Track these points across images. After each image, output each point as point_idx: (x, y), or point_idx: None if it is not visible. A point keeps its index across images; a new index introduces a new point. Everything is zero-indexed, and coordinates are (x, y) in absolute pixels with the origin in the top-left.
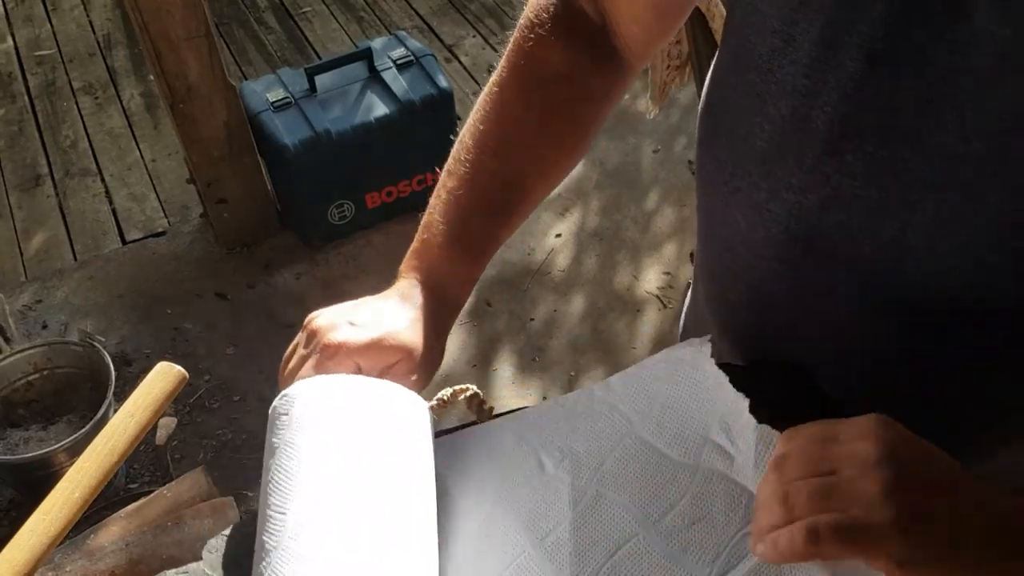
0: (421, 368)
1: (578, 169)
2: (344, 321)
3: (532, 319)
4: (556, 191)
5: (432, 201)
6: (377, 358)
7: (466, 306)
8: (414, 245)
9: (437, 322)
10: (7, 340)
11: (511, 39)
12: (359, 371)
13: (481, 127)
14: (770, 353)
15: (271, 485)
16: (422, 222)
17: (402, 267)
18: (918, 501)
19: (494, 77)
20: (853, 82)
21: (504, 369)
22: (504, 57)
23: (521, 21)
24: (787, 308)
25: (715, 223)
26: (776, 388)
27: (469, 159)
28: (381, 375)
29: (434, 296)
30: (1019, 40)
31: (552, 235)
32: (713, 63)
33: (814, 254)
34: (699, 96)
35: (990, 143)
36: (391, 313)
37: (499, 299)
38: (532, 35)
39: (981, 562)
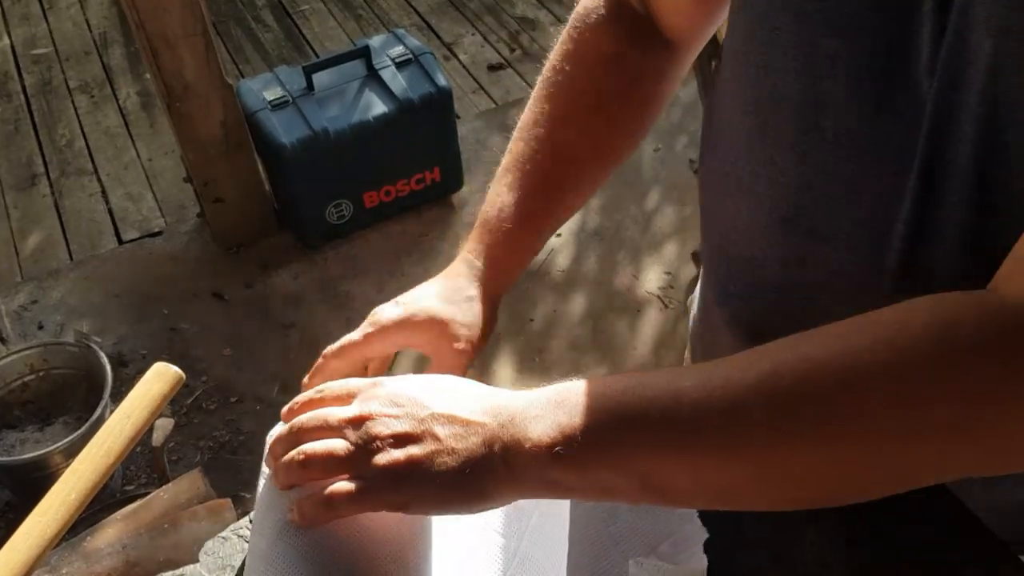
0: (465, 339)
1: None
2: (392, 302)
3: (532, 319)
4: None
5: (494, 181)
6: (412, 333)
7: None
8: (478, 221)
9: (483, 293)
10: (3, 341)
11: (562, 32)
12: (399, 347)
13: (534, 108)
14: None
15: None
16: (486, 199)
17: (465, 243)
18: (395, 463)
19: (547, 65)
20: (829, 59)
21: (504, 370)
22: (555, 48)
23: (572, 16)
24: (782, 292)
25: (714, 214)
26: None
27: (523, 137)
28: (429, 350)
29: (484, 270)
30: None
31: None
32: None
33: (797, 234)
34: (700, 94)
35: (975, 120)
36: (430, 289)
37: None
38: (581, 25)
39: (451, 479)
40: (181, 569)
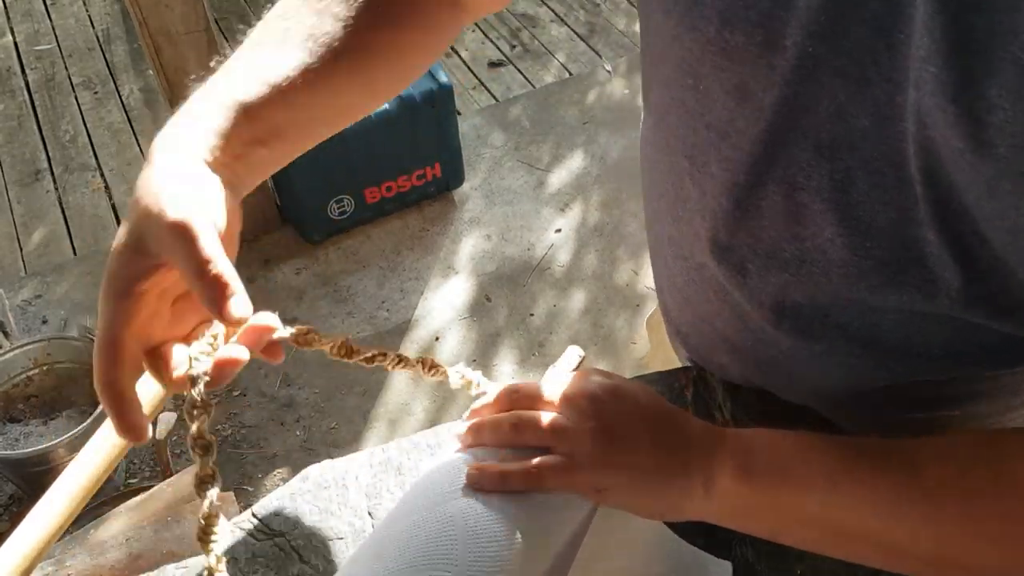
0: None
1: (578, 164)
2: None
3: (532, 314)
4: (556, 186)
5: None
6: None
7: (465, 301)
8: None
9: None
10: (7, 335)
11: None
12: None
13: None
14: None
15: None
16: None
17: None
18: (608, 451)
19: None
20: (803, 172)
21: (504, 365)
22: None
23: None
24: (774, 367)
25: (685, 295)
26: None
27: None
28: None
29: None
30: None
31: (552, 230)
32: (642, 124)
33: (788, 327)
34: None
35: (940, 232)
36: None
37: (499, 294)
38: None
39: (650, 481)
40: (184, 561)
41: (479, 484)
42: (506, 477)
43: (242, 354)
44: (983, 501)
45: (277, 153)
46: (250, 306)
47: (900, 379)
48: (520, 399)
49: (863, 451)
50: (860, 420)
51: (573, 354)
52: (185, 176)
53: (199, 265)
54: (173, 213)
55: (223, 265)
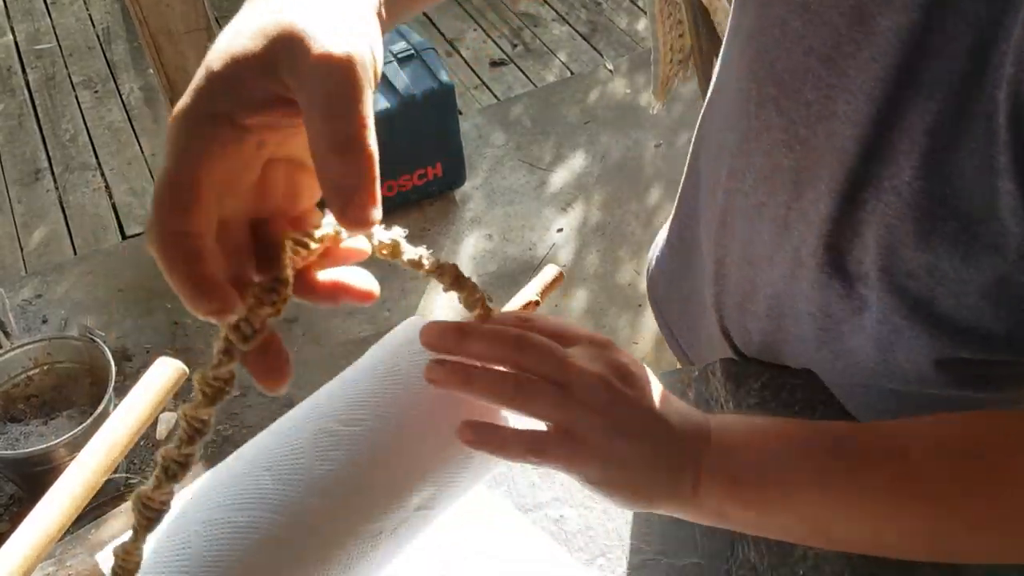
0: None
1: (579, 163)
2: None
3: None
4: (558, 185)
5: None
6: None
7: None
8: None
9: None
10: (7, 335)
11: None
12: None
13: None
14: (786, 360)
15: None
16: None
17: None
18: (615, 443)
19: None
20: (896, 109)
21: None
22: None
23: None
24: (814, 322)
25: (733, 234)
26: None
27: None
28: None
29: None
30: None
31: (553, 230)
32: (719, 61)
33: (843, 276)
34: (701, 91)
35: (1020, 185)
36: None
37: (500, 294)
38: None
39: (646, 479)
40: None
41: (476, 443)
42: (505, 442)
43: (375, 290)
44: (979, 491)
45: (406, 7)
46: (380, 212)
47: (939, 354)
48: (527, 350)
49: (852, 445)
50: (876, 393)
51: (550, 272)
52: (346, 8)
53: (352, 131)
54: (333, 42)
55: (374, 143)
